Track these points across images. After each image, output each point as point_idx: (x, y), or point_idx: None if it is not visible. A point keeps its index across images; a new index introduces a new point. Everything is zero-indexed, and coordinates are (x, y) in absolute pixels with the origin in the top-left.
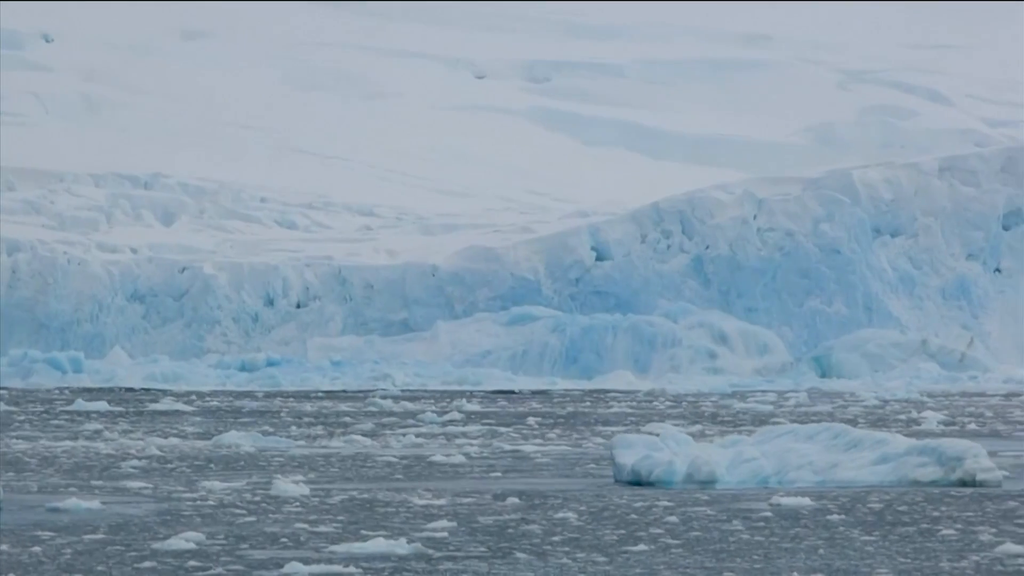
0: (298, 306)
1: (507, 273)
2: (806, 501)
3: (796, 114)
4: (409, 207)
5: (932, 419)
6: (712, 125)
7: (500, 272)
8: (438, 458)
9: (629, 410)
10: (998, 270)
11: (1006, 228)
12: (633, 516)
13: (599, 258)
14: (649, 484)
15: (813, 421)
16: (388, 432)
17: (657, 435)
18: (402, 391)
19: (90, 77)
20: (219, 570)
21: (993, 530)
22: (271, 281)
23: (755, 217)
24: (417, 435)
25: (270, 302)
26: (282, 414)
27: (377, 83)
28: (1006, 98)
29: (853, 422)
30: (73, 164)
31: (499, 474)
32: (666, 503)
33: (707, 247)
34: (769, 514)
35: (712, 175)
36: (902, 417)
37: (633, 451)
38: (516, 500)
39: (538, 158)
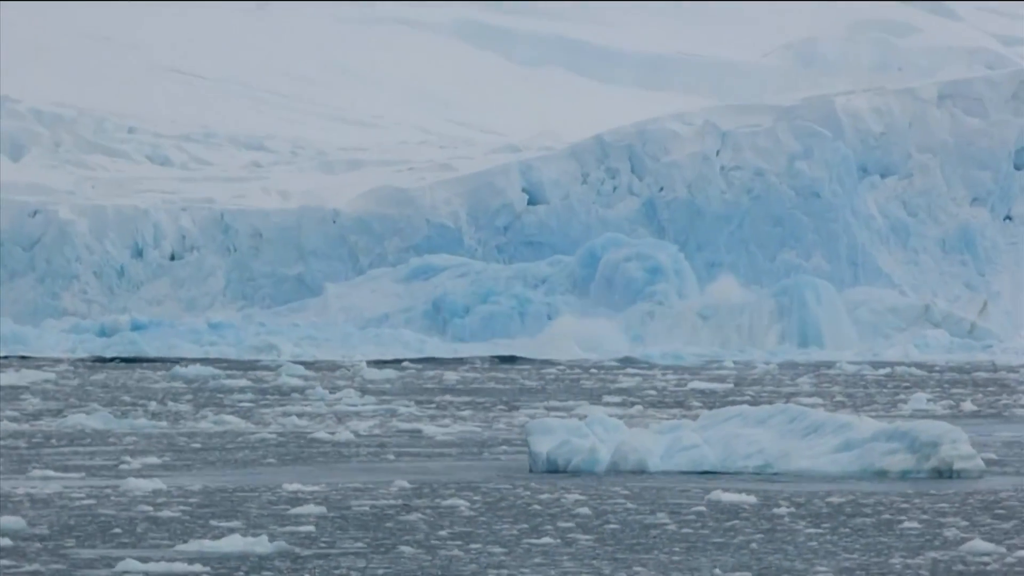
0: (172, 258)
1: (422, 219)
2: (750, 493)
3: (770, 29)
4: (306, 140)
5: (921, 398)
6: (668, 42)
7: (414, 218)
8: (321, 436)
9: (558, 385)
10: (1009, 218)
11: (1018, 167)
12: (537, 507)
13: (532, 202)
14: (568, 474)
15: (783, 400)
16: (266, 409)
17: (582, 419)
18: (289, 361)
19: None
20: (34, 568)
21: (964, 523)
22: (140, 228)
23: (718, 153)
24: (300, 413)
25: (139, 253)
26: (142, 387)
27: None
28: None
29: (828, 402)
30: None
31: (391, 457)
32: (579, 494)
33: (661, 189)
34: (703, 507)
35: (667, 102)
36: (885, 396)
37: (551, 437)
38: (405, 485)
39: (461, 81)
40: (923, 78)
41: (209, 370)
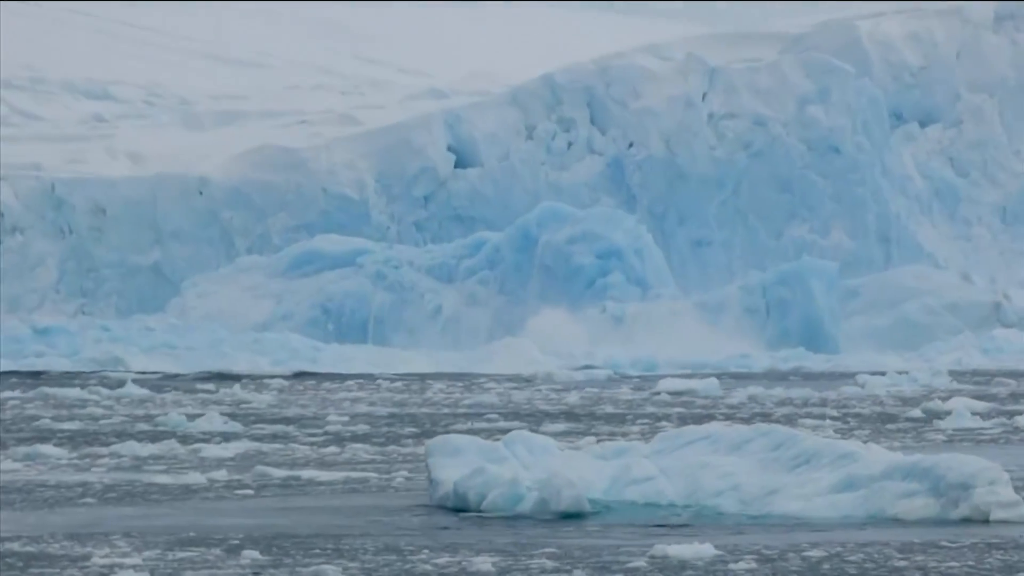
0: None
1: (318, 189)
2: (708, 543)
3: None
4: (164, 85)
5: (963, 411)
6: None
7: (307, 188)
8: (163, 480)
9: (495, 399)
10: None
11: None
12: (426, 567)
13: (461, 164)
14: (480, 514)
15: (783, 419)
16: (97, 445)
17: (498, 438)
18: (136, 377)
19: None
20: None
21: None
22: None
23: (705, 97)
24: (144, 449)
25: None
26: None
27: None
28: None
29: (843, 420)
30: None
31: (252, 504)
32: (485, 547)
33: (630, 145)
34: (641, 563)
35: (639, 29)
36: (917, 412)
37: (460, 461)
38: (260, 542)
39: (371, 7)
40: None
41: (31, 386)
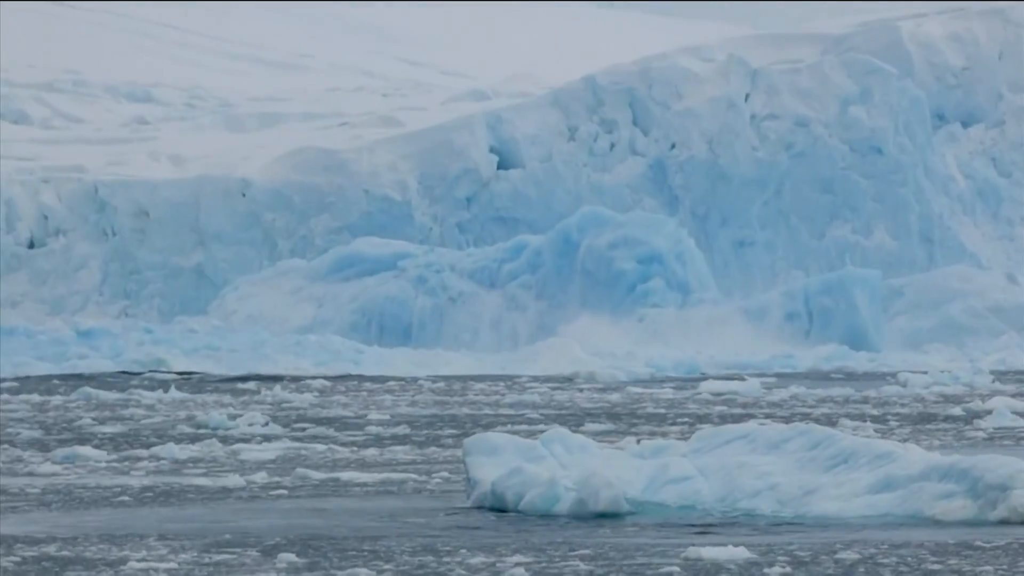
0: (31, 246)
1: (359, 191)
2: (742, 546)
3: None
4: (206, 87)
5: (1004, 410)
6: None
7: (349, 190)
8: (203, 482)
9: (536, 399)
10: None
11: None
12: (460, 569)
13: (504, 165)
14: (518, 514)
15: (823, 418)
16: (138, 447)
17: (535, 436)
18: (177, 377)
19: None
20: None
21: None
22: None
23: (748, 98)
24: (184, 451)
25: None
26: None
27: None
28: None
29: (882, 420)
30: None
31: (289, 506)
32: (521, 548)
33: (673, 146)
34: (675, 567)
35: (681, 30)
36: (958, 411)
37: (497, 460)
38: (298, 541)
39: (412, 9)
40: None
41: (73, 388)
